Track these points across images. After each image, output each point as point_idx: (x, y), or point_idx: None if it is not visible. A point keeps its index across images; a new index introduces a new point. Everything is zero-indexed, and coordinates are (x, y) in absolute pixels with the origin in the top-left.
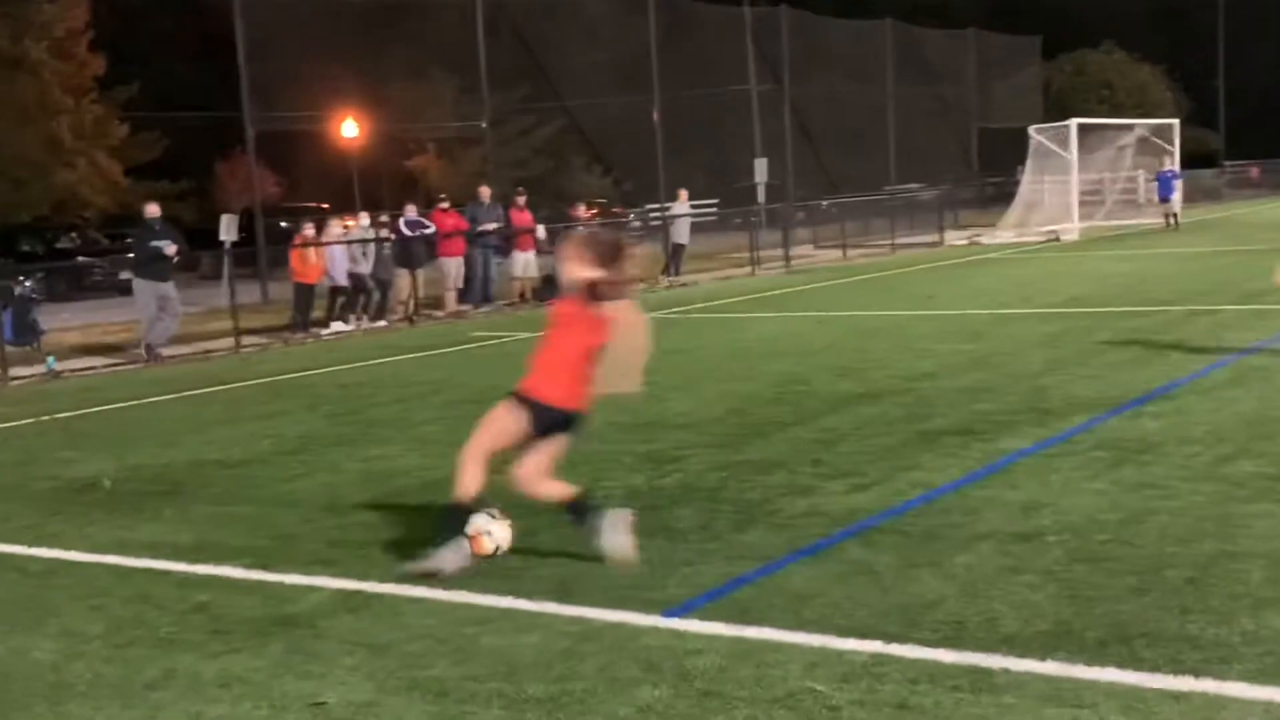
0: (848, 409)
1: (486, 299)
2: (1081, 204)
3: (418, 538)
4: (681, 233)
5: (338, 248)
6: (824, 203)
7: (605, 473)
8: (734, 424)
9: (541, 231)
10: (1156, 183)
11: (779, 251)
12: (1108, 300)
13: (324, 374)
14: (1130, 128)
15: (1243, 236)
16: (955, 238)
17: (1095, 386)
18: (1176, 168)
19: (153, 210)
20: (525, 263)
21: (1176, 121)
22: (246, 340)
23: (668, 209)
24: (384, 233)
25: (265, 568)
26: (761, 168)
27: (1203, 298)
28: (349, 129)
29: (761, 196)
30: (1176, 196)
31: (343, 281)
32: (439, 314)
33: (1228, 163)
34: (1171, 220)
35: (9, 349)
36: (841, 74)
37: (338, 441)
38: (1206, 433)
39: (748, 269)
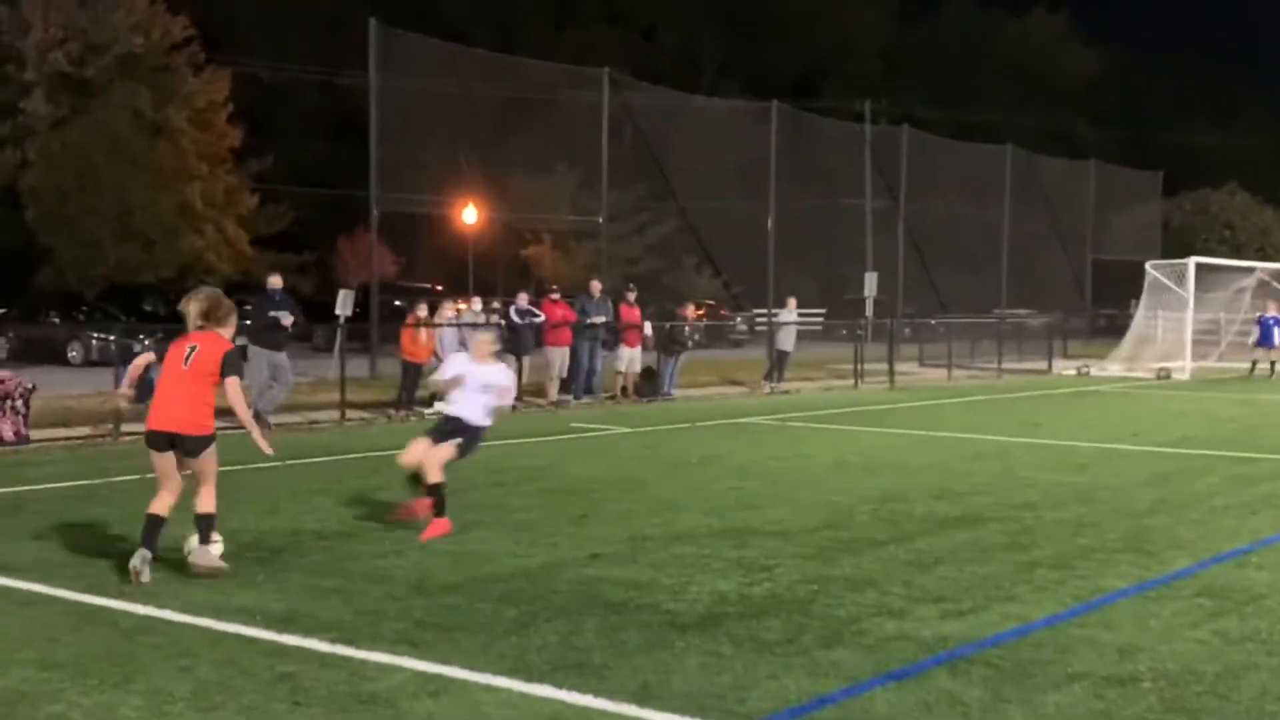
0: (945, 532)
1: (589, 391)
2: (1195, 344)
3: (503, 624)
4: (787, 340)
5: (449, 330)
6: (932, 321)
7: (694, 576)
8: (828, 537)
9: (648, 329)
10: (1257, 326)
11: (883, 366)
12: (1218, 444)
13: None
14: (1250, 270)
15: None
16: (1063, 367)
17: (1201, 531)
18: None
19: (274, 281)
20: (630, 358)
21: None
22: (352, 414)
23: (775, 315)
24: (495, 318)
25: (351, 643)
26: (871, 281)
27: None
28: (469, 214)
29: (869, 310)
30: None
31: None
32: (541, 402)
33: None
34: (1273, 367)
35: (124, 406)
36: (958, 194)
37: None
38: None
39: (851, 381)
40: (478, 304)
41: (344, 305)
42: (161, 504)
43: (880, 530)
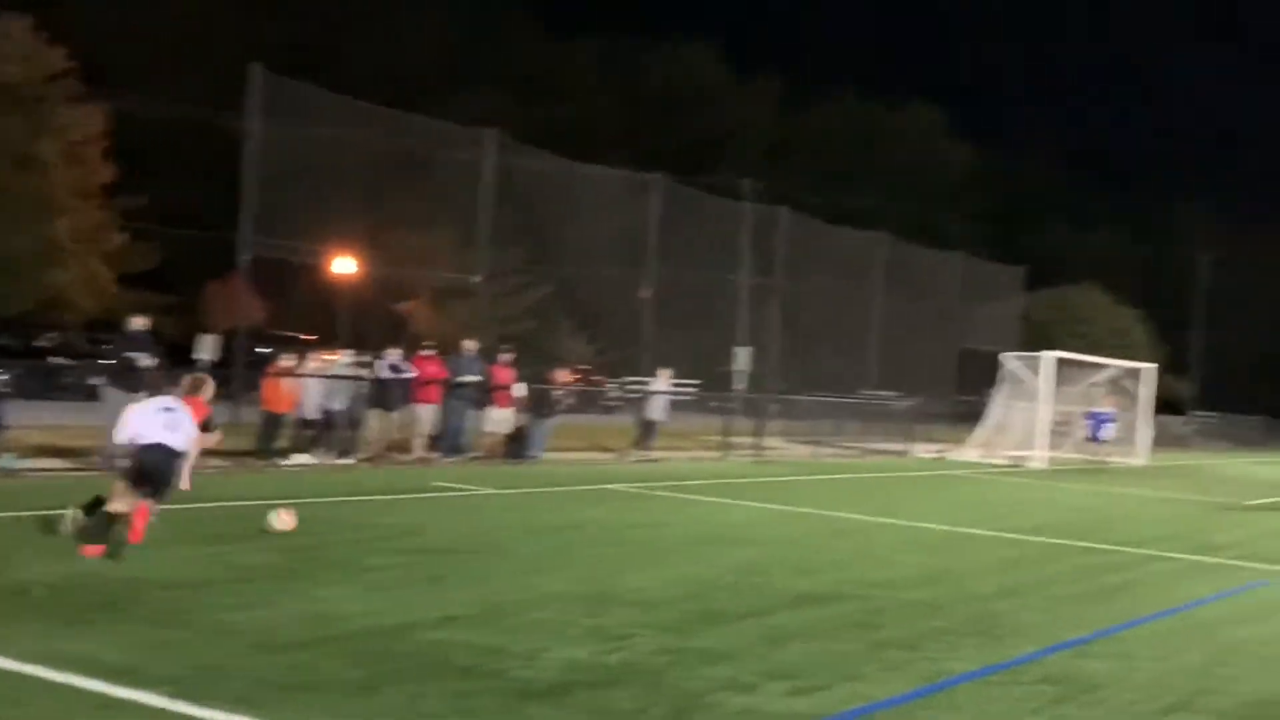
0: (802, 608)
1: (456, 450)
2: (1049, 434)
3: (347, 685)
4: (658, 409)
5: (314, 381)
6: (801, 398)
7: (548, 643)
8: (687, 608)
9: (520, 390)
10: (1087, 421)
11: (751, 440)
12: (1067, 533)
13: (281, 506)
14: (1104, 366)
15: (1209, 488)
16: (924, 450)
17: (1045, 617)
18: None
19: (137, 321)
20: (500, 419)
21: (1150, 366)
22: (209, 463)
23: (647, 384)
24: (363, 371)
25: (188, 699)
26: (743, 356)
27: (1161, 543)
28: (344, 265)
29: (740, 384)
30: (1111, 434)
31: (313, 415)
32: (405, 458)
33: (1196, 413)
34: (1096, 459)
35: None
36: (833, 276)
37: (283, 576)
38: (1150, 680)
39: (718, 453)
40: (347, 356)
41: (206, 349)
42: None
43: (739, 603)
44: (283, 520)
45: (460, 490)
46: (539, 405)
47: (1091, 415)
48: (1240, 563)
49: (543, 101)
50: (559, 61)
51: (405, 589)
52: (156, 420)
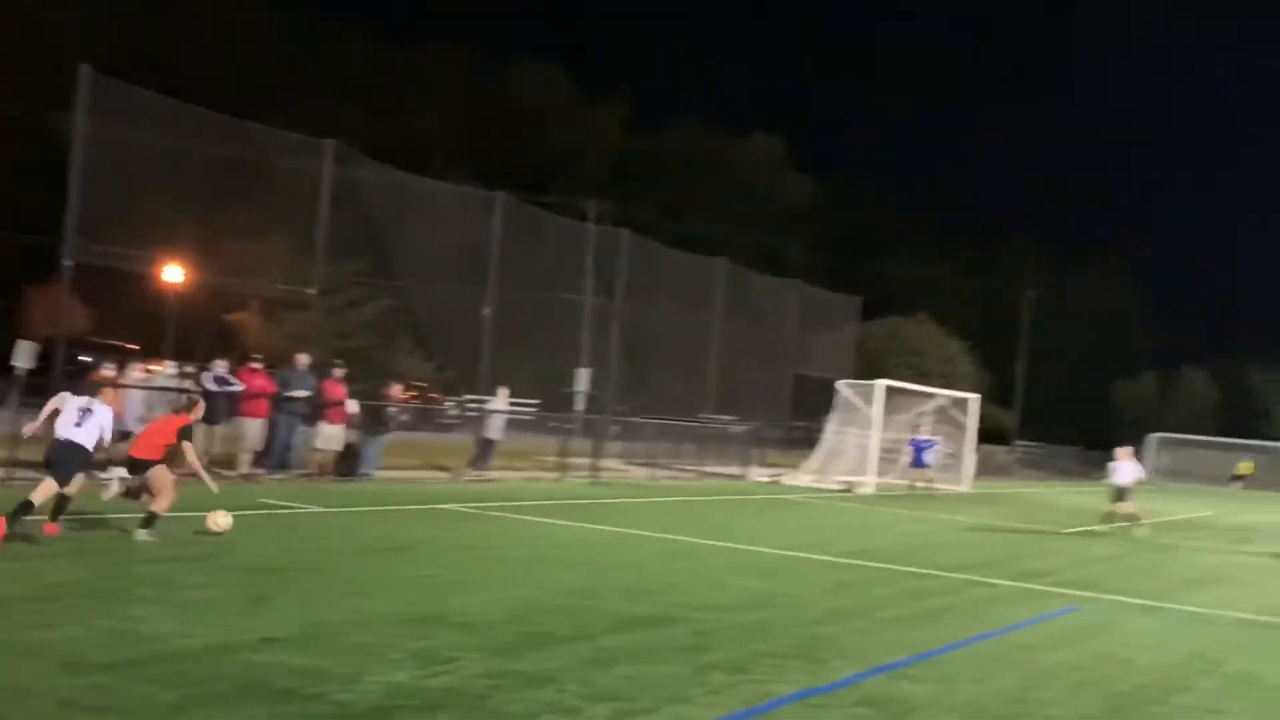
0: (630, 631)
1: (284, 466)
2: (880, 459)
3: (158, 708)
4: (496, 428)
5: (136, 392)
6: (639, 420)
7: (370, 666)
8: (514, 630)
9: (353, 406)
10: (910, 448)
11: (589, 461)
12: (893, 558)
13: (95, 519)
14: (932, 396)
15: (1028, 515)
16: (759, 474)
17: (867, 641)
18: (930, 439)
19: None
20: (331, 435)
21: (975, 396)
22: (22, 474)
23: (486, 402)
24: (187, 383)
25: None
26: (583, 377)
27: (982, 569)
28: (173, 274)
29: (580, 405)
30: (936, 461)
31: (133, 428)
32: (229, 474)
33: (1019, 442)
34: (921, 485)
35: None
36: (673, 300)
37: (95, 595)
38: (966, 703)
39: (556, 474)
40: (171, 367)
41: (23, 357)
42: None
43: (567, 626)
44: (218, 522)
45: (287, 508)
46: (372, 422)
47: (914, 442)
48: (1056, 589)
49: (385, 114)
50: (402, 74)
51: (224, 609)
52: (72, 419)
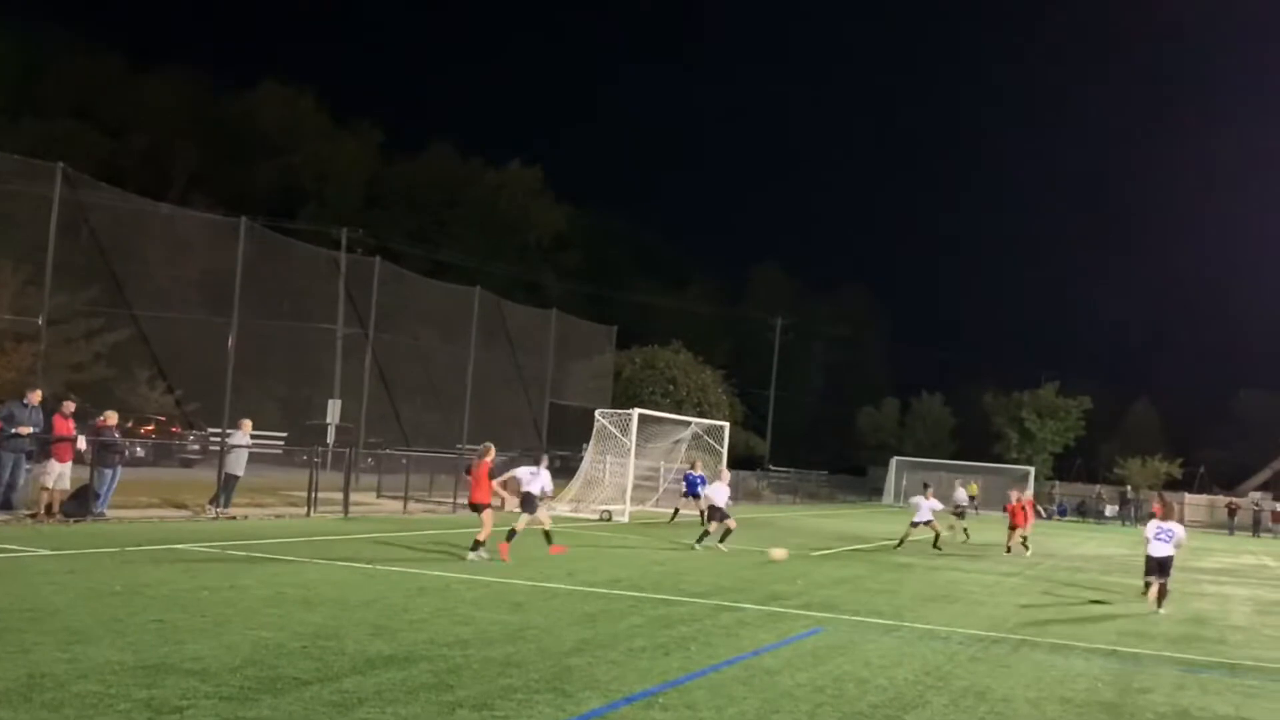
0: (374, 671)
1: (8, 506)
2: (636, 488)
3: None
4: (237, 464)
5: None
6: (393, 452)
7: (94, 718)
8: (251, 675)
9: (82, 443)
10: (684, 481)
11: (340, 495)
12: (645, 586)
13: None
14: (686, 424)
15: (778, 540)
16: (515, 505)
17: (617, 671)
18: (698, 473)
19: None
20: (60, 473)
21: (727, 424)
22: None
23: (228, 436)
24: None
25: None
26: (334, 409)
27: (730, 594)
28: None
29: (330, 437)
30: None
31: None
32: None
33: (770, 468)
34: (704, 516)
35: None
36: (428, 330)
37: None
38: None
39: (304, 510)
40: None
41: None
42: None
43: (307, 669)
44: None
45: (9, 551)
46: (102, 455)
47: (687, 477)
48: (801, 611)
49: (121, 136)
50: (141, 96)
51: None
52: None
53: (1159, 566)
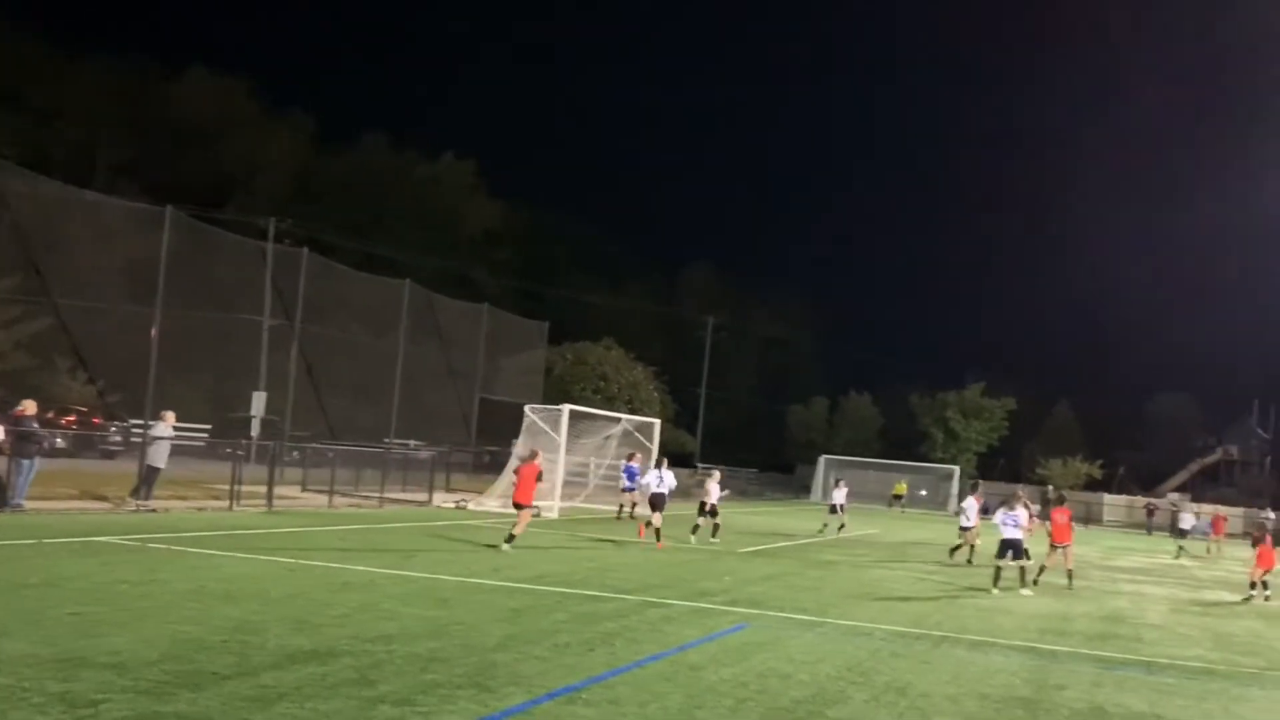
0: (294, 666)
1: None
2: (566, 484)
3: None
4: (159, 456)
5: None
6: (319, 445)
7: (6, 713)
8: (169, 670)
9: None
10: (624, 474)
11: (264, 489)
12: (573, 582)
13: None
14: (617, 420)
15: (705, 535)
16: (444, 499)
17: (541, 667)
18: (637, 464)
19: None
20: None
21: (658, 421)
22: None
23: (151, 427)
24: None
25: None
26: (259, 401)
27: (657, 590)
28: None
29: (255, 430)
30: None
31: None
32: None
33: (701, 465)
34: (634, 509)
35: None
36: (357, 323)
37: None
38: None
39: (227, 503)
40: None
41: None
42: None
43: (226, 664)
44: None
45: None
46: (20, 446)
47: (627, 468)
48: (727, 607)
49: (44, 123)
50: (65, 82)
51: None
52: None
53: (1009, 549)
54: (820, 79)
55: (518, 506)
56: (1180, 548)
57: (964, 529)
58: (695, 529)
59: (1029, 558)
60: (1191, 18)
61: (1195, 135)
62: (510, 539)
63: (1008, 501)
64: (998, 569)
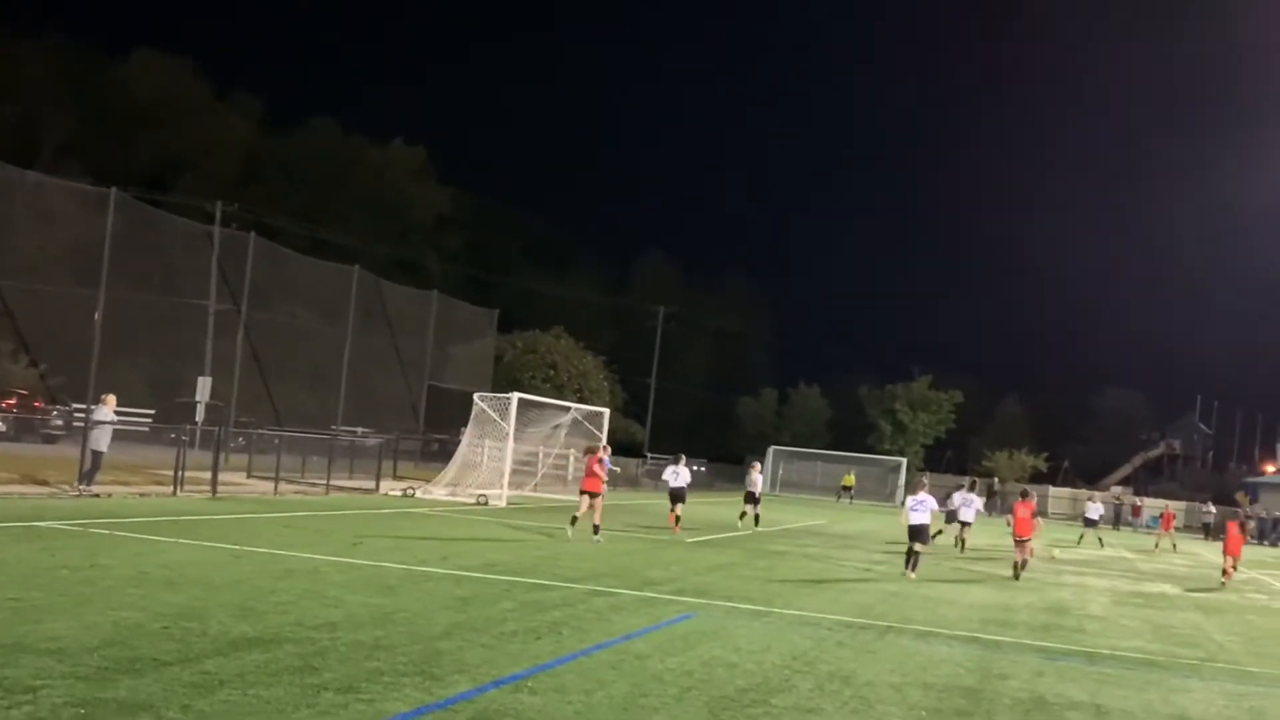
0: (237, 653)
1: None
2: (515, 472)
3: None
4: (101, 440)
5: None
6: (265, 431)
7: None
8: (109, 656)
9: None
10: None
11: (208, 475)
12: (519, 570)
13: None
14: (566, 409)
15: (651, 524)
16: (391, 487)
17: (487, 655)
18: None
19: None
20: None
21: (607, 410)
22: None
23: (93, 411)
24: None
25: None
26: (204, 386)
27: (604, 579)
28: None
29: (200, 415)
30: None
31: None
32: None
33: (651, 455)
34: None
35: None
36: (304, 309)
37: None
38: (576, 713)
39: (170, 489)
40: None
41: None
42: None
43: (168, 650)
44: None
45: None
46: None
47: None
48: (674, 596)
49: None
50: (7, 61)
51: None
52: None
53: (917, 533)
54: (775, 69)
55: (590, 495)
56: (1081, 536)
57: (964, 523)
58: (742, 515)
59: (929, 542)
60: (1147, 17)
61: (1144, 136)
62: (595, 530)
63: (913, 487)
64: (912, 552)
